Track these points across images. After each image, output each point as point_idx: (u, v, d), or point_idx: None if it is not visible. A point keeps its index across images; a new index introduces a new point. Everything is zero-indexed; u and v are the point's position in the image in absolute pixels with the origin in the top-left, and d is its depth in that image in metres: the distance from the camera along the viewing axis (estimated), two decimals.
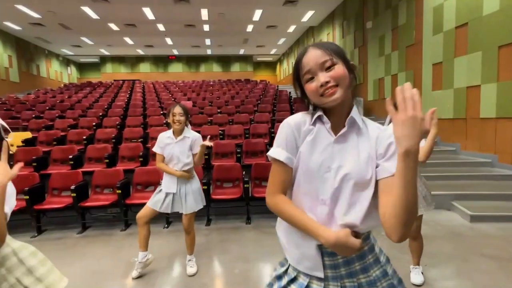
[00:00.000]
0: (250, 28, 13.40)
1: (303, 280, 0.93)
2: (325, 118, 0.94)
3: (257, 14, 11.38)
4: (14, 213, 1.82)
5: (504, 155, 4.87)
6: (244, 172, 4.11)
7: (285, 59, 19.75)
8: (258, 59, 21.96)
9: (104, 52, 18.65)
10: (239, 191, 3.84)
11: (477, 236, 3.28)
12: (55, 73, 17.94)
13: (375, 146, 0.90)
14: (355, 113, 0.94)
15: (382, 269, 0.93)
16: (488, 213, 3.71)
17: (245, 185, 3.69)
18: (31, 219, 3.67)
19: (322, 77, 0.87)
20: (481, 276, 2.46)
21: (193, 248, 2.64)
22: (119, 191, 3.58)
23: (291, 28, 13.80)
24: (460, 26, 5.47)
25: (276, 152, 0.94)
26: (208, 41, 16.15)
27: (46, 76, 16.71)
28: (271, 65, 23.05)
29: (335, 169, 0.89)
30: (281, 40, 16.27)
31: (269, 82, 15.51)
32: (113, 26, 12.77)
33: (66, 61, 19.73)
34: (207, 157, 4.78)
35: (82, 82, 16.26)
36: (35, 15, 10.82)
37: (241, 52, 19.38)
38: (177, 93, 11.38)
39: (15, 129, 6.54)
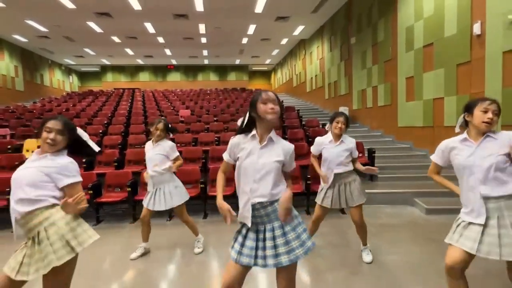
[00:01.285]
0: (245, 40, 14.18)
1: (244, 228, 1.68)
2: (256, 136, 1.65)
3: (251, 28, 12.15)
4: None
5: None
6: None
7: (279, 68, 20.57)
8: (253, 68, 22.75)
9: (105, 61, 19.35)
10: (231, 189, 4.48)
11: (428, 225, 3.95)
12: (58, 81, 18.57)
13: (283, 153, 1.66)
14: (272, 133, 1.65)
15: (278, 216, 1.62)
16: (441, 207, 4.38)
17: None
18: None
19: (273, 105, 1.60)
20: (422, 254, 3.11)
21: (196, 231, 3.26)
22: (129, 189, 4.22)
23: (284, 41, 14.60)
24: (427, 45, 6.23)
25: (224, 155, 1.75)
26: (205, 52, 16.91)
27: (49, 85, 17.34)
28: (266, 74, 23.85)
29: (261, 164, 1.60)
30: (275, 51, 17.07)
31: None
32: (115, 39, 13.48)
33: (68, 70, 20.38)
34: (204, 160, 5.45)
35: (84, 91, 16.90)
36: (42, 29, 11.51)
37: (237, 62, 20.16)
38: (176, 102, 12.04)
39: (28, 136, 7.15)
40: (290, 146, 1.69)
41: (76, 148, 1.80)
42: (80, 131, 1.82)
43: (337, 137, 2.85)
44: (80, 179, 1.73)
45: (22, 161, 5.23)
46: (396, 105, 7.39)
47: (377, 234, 3.66)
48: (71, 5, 9.18)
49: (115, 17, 10.45)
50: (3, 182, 4.38)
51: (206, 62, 19.93)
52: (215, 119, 8.64)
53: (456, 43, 5.52)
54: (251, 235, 1.62)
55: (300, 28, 12.27)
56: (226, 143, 6.09)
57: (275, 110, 1.56)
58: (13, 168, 5.11)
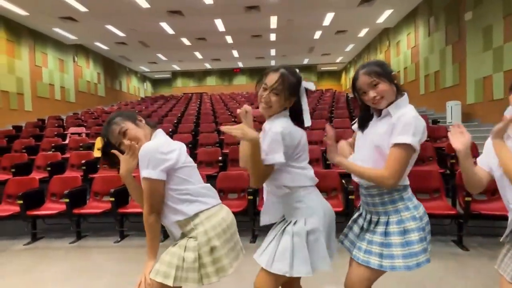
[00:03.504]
0: (317, 34, 12.88)
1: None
2: None
3: (328, 18, 10.82)
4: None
5: None
6: None
7: (351, 67, 18.66)
8: (322, 68, 21.24)
9: (176, 67, 19.97)
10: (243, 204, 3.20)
11: None
12: (134, 88, 19.74)
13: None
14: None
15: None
16: None
17: None
18: (114, 222, 3.56)
19: (371, 93, 1.29)
20: None
21: None
22: None
23: (363, 32, 12.87)
24: None
25: None
26: (273, 52, 16.08)
27: (127, 91, 18.45)
28: (336, 74, 22.11)
29: None
30: (350, 46, 15.36)
31: (336, 91, 14.68)
32: (185, 41, 13.45)
33: (143, 78, 21.65)
34: None
35: (156, 96, 17.52)
36: (120, 33, 11.92)
37: (305, 61, 18.93)
38: (244, 103, 11.34)
39: (99, 134, 6.97)
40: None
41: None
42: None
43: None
44: None
45: (89, 159, 4.76)
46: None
47: None
48: (146, 5, 9.10)
49: (187, 15, 10.17)
50: (66, 181, 3.83)
51: (272, 63, 19.12)
52: None
53: None
54: None
55: (386, 13, 10.48)
56: None
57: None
58: (80, 167, 4.68)
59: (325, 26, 11.73)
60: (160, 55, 16.27)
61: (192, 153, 5.16)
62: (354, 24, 11.74)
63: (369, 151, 1.31)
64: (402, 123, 1.21)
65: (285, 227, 1.31)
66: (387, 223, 1.29)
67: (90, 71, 14.30)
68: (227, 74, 20.98)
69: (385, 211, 1.31)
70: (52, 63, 11.70)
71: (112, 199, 3.36)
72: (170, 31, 11.78)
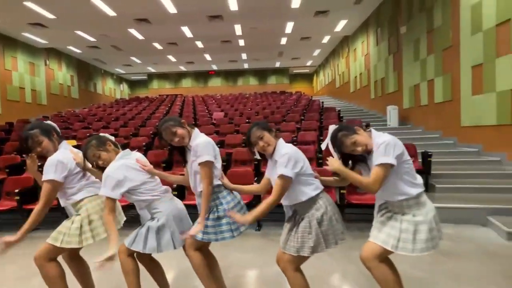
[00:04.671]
0: (283, 40, 13.58)
1: None
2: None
3: (289, 26, 11.52)
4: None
5: None
6: (256, 179, 4.13)
7: (321, 70, 19.53)
8: (294, 71, 22.02)
9: (151, 69, 20.27)
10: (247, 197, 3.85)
11: (510, 256, 2.87)
12: (110, 89, 19.91)
13: None
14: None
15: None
16: None
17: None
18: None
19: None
20: None
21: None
22: (175, 193, 3.78)
23: (325, 39, 13.68)
24: (502, 23, 4.97)
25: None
26: (244, 56, 16.67)
27: (102, 93, 18.62)
28: (308, 77, 22.94)
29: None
30: (316, 51, 16.17)
31: (303, 93, 15.43)
32: (157, 45, 13.87)
33: (119, 79, 21.81)
34: (225, 163, 4.90)
35: (131, 97, 17.81)
36: (91, 38, 12.24)
37: (277, 65, 19.63)
38: (212, 105, 11.88)
39: (65, 138, 7.37)
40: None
41: None
42: None
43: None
44: None
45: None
46: (458, 101, 6.11)
47: (437, 265, 2.72)
48: (112, 13, 9.51)
49: (154, 23, 10.63)
50: (20, 181, 4.32)
51: (245, 66, 19.75)
52: (247, 120, 8.14)
53: None
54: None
55: (342, 23, 11.29)
56: None
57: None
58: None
59: (289, 33, 12.44)
60: (134, 58, 16.58)
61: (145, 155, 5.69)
62: (315, 32, 12.50)
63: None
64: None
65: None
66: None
67: (62, 74, 14.49)
68: (202, 76, 21.46)
69: None
70: (22, 67, 11.90)
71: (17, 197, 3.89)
72: (140, 36, 12.19)
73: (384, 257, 1.71)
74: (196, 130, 2.01)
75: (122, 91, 22.10)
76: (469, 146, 5.89)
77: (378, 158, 1.64)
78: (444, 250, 3.01)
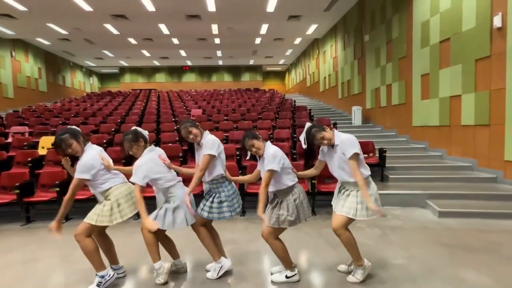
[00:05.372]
0: (258, 40, 14.15)
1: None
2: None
3: (263, 28, 12.11)
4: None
5: (482, 160, 5.26)
6: (240, 172, 4.71)
7: (293, 68, 20.40)
8: (267, 69, 22.70)
9: (123, 63, 19.90)
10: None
11: (440, 229, 3.72)
12: (79, 83, 19.29)
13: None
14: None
15: None
16: (455, 210, 4.14)
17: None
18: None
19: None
20: (429, 258, 2.92)
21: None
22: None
23: (297, 40, 14.45)
24: (444, 40, 5.94)
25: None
26: (219, 53, 17.02)
27: (71, 86, 18.03)
28: (280, 75, 23.74)
29: None
30: (289, 51, 16.94)
31: (276, 91, 16.16)
32: (132, 40, 13.82)
33: (89, 72, 21.13)
34: None
35: (103, 91, 17.45)
36: (63, 31, 11.97)
37: (251, 62, 20.18)
38: (189, 102, 12.17)
39: (44, 134, 7.42)
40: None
41: None
42: None
43: None
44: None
45: (35, 157, 5.41)
46: (410, 104, 7.11)
47: (384, 237, 3.49)
48: (88, 8, 9.48)
49: (131, 19, 10.70)
50: (16, 176, 4.54)
51: (220, 63, 20.07)
52: (225, 118, 8.64)
53: (474, 37, 5.23)
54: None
55: (313, 27, 12.09)
56: (235, 141, 6.02)
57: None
58: (26, 164, 5.32)
59: (263, 34, 13.03)
60: (106, 52, 16.27)
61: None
62: (288, 34, 13.21)
63: None
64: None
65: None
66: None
67: (30, 66, 13.94)
68: (176, 71, 21.44)
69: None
70: None
71: (57, 189, 4.20)
72: (115, 32, 12.13)
73: (348, 225, 2.39)
74: (207, 131, 2.57)
75: (92, 85, 21.45)
76: (418, 143, 6.91)
77: (348, 150, 2.28)
78: (391, 226, 3.83)
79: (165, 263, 2.50)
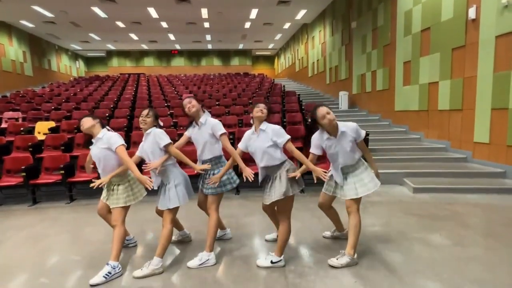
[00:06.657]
0: (247, 25, 14.18)
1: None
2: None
3: (253, 13, 12.16)
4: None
5: (455, 142, 5.77)
6: None
7: (282, 53, 20.49)
8: (257, 53, 22.68)
9: (111, 46, 19.52)
10: None
11: (413, 203, 4.21)
12: (65, 67, 18.88)
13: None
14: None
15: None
16: (428, 186, 4.64)
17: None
18: (65, 189, 4.66)
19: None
20: (401, 225, 3.39)
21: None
22: None
23: (286, 25, 14.55)
24: (425, 29, 6.30)
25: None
26: (208, 37, 16.94)
27: (57, 70, 17.66)
28: (270, 59, 23.77)
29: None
30: (278, 36, 17.01)
31: (266, 75, 16.34)
32: (120, 24, 13.62)
33: (75, 56, 20.63)
34: None
35: (90, 76, 17.20)
36: (48, 14, 11.70)
37: (240, 46, 20.14)
38: (180, 87, 12.26)
39: (39, 119, 7.51)
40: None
41: None
42: None
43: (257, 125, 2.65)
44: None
45: (34, 142, 5.59)
46: (393, 90, 7.52)
47: (363, 210, 3.94)
48: None
49: (119, 2, 10.57)
50: (20, 160, 4.76)
51: (209, 47, 19.95)
52: (217, 103, 8.87)
53: (452, 27, 5.60)
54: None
55: (302, 12, 12.23)
56: (228, 126, 6.32)
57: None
58: (26, 148, 5.49)
59: (252, 19, 13.07)
60: (93, 35, 15.95)
61: (127, 134, 6.27)
62: (277, 18, 13.30)
63: None
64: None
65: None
66: None
67: (14, 49, 13.60)
68: (165, 55, 21.18)
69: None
70: None
71: (62, 172, 4.45)
72: (102, 15, 11.94)
73: (358, 205, 2.64)
74: (207, 112, 2.79)
75: (78, 69, 21.00)
76: (399, 126, 7.38)
77: (361, 133, 2.62)
78: (371, 201, 4.29)
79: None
